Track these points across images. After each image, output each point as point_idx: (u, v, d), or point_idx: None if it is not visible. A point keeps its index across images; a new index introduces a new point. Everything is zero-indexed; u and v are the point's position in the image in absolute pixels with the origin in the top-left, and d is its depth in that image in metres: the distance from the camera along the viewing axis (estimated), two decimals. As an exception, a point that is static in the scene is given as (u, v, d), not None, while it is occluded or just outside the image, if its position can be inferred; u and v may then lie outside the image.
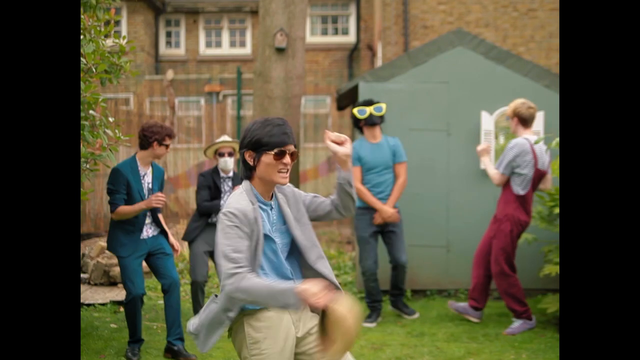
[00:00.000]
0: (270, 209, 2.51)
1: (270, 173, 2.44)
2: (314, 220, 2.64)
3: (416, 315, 5.49)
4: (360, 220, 5.33)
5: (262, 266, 2.47)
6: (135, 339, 4.54)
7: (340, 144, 2.52)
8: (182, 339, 4.53)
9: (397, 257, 5.34)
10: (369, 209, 5.30)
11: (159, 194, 4.38)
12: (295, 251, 2.57)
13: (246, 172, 2.49)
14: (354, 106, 5.46)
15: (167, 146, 4.50)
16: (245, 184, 2.50)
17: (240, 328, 2.47)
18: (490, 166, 5.15)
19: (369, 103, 5.36)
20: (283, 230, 2.53)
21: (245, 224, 2.36)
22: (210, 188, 5.12)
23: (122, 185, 4.38)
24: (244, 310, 2.46)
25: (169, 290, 4.50)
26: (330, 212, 2.63)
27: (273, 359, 2.41)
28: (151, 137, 4.44)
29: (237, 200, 2.43)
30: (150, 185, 4.55)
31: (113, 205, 4.39)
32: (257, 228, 2.40)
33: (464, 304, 5.32)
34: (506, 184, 5.00)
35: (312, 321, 2.54)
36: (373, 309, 5.38)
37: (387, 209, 5.24)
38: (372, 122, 5.31)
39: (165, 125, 4.55)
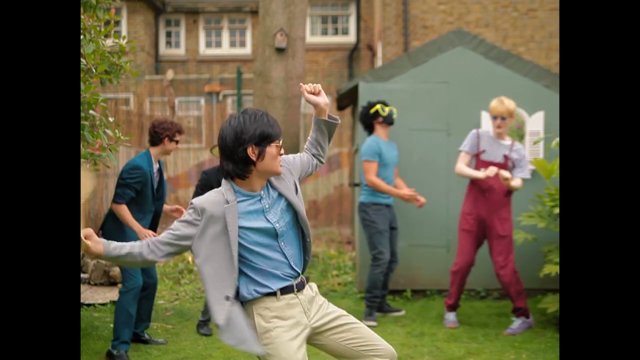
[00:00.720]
0: (261, 198, 2.45)
1: (274, 164, 2.42)
2: (306, 177, 2.68)
3: (403, 312, 5.61)
4: (378, 215, 5.41)
5: (253, 263, 2.42)
6: (127, 340, 4.35)
7: (316, 94, 2.56)
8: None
9: (397, 253, 5.61)
10: (386, 206, 5.45)
11: (152, 233, 4.41)
12: (298, 227, 2.54)
13: (244, 169, 2.38)
14: (370, 105, 5.49)
15: (177, 142, 4.59)
16: (225, 184, 2.43)
17: (250, 317, 2.44)
18: (514, 178, 5.00)
19: (386, 104, 5.50)
20: (284, 208, 2.48)
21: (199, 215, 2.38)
22: (213, 188, 5.07)
23: (139, 183, 4.39)
24: (252, 300, 2.44)
25: (149, 289, 4.69)
26: (315, 164, 2.72)
27: (284, 348, 2.38)
28: (162, 133, 4.53)
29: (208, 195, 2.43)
30: (156, 182, 4.60)
31: (120, 198, 4.35)
32: (222, 223, 2.37)
33: (452, 318, 5.26)
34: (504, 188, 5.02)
35: (328, 311, 2.53)
36: (373, 304, 5.38)
37: (405, 192, 5.41)
38: (391, 121, 5.49)
39: (175, 121, 4.63)
